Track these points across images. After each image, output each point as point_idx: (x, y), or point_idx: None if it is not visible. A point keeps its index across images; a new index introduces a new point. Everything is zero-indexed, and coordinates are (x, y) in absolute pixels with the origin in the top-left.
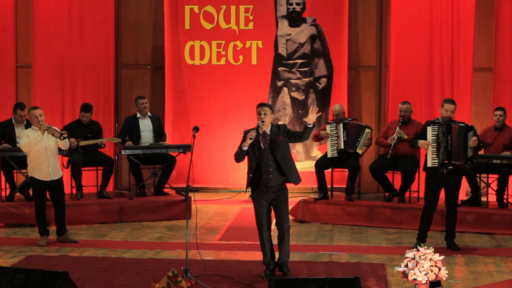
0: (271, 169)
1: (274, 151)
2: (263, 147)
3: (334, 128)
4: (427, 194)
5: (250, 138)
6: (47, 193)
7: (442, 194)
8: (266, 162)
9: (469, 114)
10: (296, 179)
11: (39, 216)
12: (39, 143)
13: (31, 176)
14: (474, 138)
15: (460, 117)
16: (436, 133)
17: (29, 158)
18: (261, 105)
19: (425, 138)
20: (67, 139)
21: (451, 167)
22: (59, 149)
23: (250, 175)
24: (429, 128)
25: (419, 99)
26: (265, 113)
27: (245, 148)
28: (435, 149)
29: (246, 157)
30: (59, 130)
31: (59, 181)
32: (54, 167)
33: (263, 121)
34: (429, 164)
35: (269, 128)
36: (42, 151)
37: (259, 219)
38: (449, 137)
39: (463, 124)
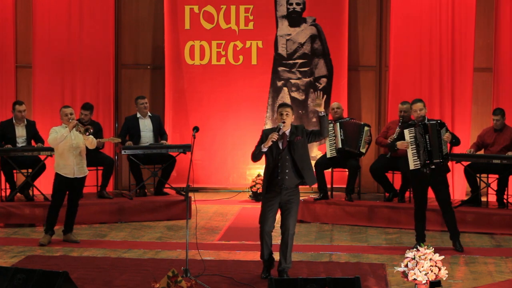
0: (288, 170)
1: (292, 151)
2: (281, 147)
3: (331, 128)
4: (415, 196)
5: (272, 141)
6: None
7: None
8: (283, 163)
9: (469, 114)
10: (313, 180)
11: (52, 213)
12: (66, 140)
13: (56, 172)
14: (448, 134)
15: (460, 117)
16: (414, 134)
17: (56, 154)
18: (283, 105)
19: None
20: (94, 139)
21: (433, 167)
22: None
23: (268, 176)
24: (406, 131)
25: None
26: (287, 114)
27: (265, 150)
28: (415, 151)
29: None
30: (84, 126)
31: (82, 180)
32: (79, 165)
33: (284, 122)
34: (411, 167)
35: (289, 129)
36: (69, 149)
37: (262, 220)
38: (426, 136)
39: (434, 122)
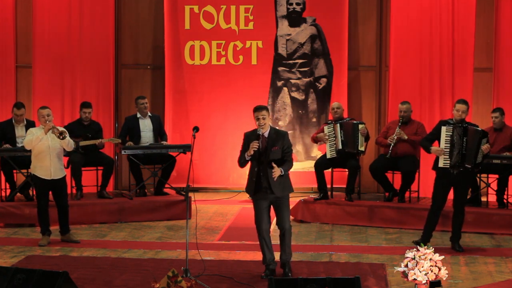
0: (269, 172)
1: (267, 159)
2: (260, 149)
3: (331, 128)
4: (435, 195)
5: (254, 150)
6: (50, 193)
7: (450, 195)
8: (264, 165)
9: (470, 114)
10: (280, 190)
11: (41, 216)
12: (42, 142)
13: (33, 174)
14: (487, 145)
15: None
16: (451, 133)
17: (32, 155)
18: (258, 109)
19: (438, 138)
20: (71, 140)
21: (461, 169)
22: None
23: (253, 179)
24: (443, 128)
25: (419, 99)
26: (263, 117)
27: (249, 158)
28: (448, 150)
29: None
30: (59, 129)
31: (61, 181)
32: (55, 167)
33: (262, 126)
34: (440, 165)
35: (267, 132)
36: (45, 150)
37: (258, 220)
38: (464, 139)
39: (479, 129)
